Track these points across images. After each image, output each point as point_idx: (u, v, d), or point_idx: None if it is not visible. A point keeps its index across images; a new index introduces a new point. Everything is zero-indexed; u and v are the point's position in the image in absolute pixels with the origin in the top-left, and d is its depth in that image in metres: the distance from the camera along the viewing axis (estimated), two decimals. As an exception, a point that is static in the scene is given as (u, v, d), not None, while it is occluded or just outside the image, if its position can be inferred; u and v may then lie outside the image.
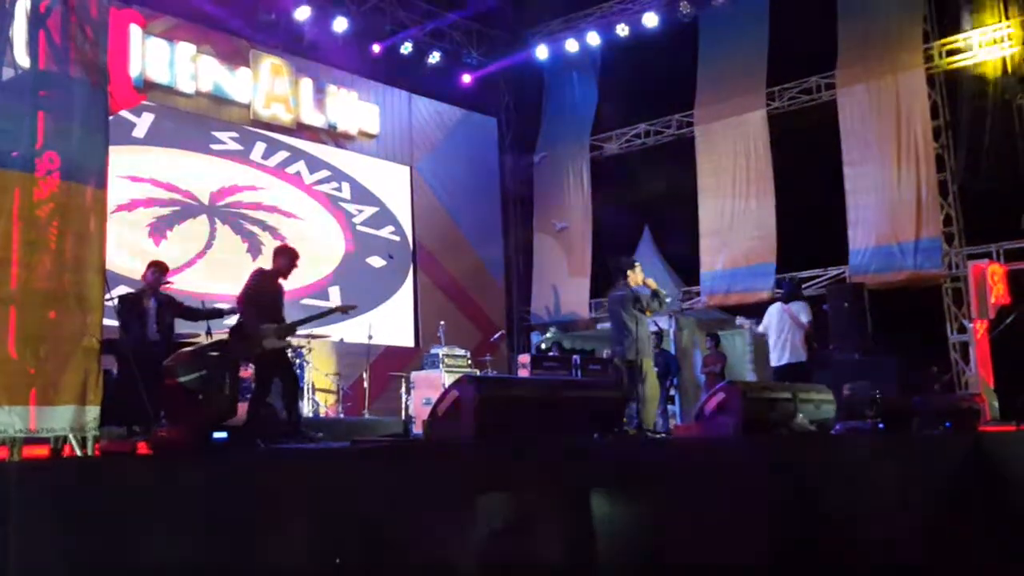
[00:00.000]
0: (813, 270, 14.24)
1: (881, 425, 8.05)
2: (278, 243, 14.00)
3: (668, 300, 9.20)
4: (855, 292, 12.40)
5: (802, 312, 10.08)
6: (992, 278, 11.98)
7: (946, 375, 12.76)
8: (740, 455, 5.87)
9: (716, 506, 5.50)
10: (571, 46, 16.34)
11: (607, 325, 16.54)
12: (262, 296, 7.24)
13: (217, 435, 4.65)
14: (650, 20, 15.44)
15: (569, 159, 16.97)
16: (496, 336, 14.15)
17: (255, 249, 13.42)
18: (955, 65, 13.57)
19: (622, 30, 15.69)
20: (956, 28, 13.60)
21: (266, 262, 7.59)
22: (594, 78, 16.75)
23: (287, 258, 7.49)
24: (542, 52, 16.70)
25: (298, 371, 9.98)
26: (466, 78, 16.77)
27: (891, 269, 13.10)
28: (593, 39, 16.14)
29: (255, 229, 13.63)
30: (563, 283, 16.77)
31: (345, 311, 8.10)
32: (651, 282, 8.75)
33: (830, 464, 6.48)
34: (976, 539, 7.04)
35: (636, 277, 8.81)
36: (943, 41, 13.64)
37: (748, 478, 5.63)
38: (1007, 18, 13.04)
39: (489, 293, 16.79)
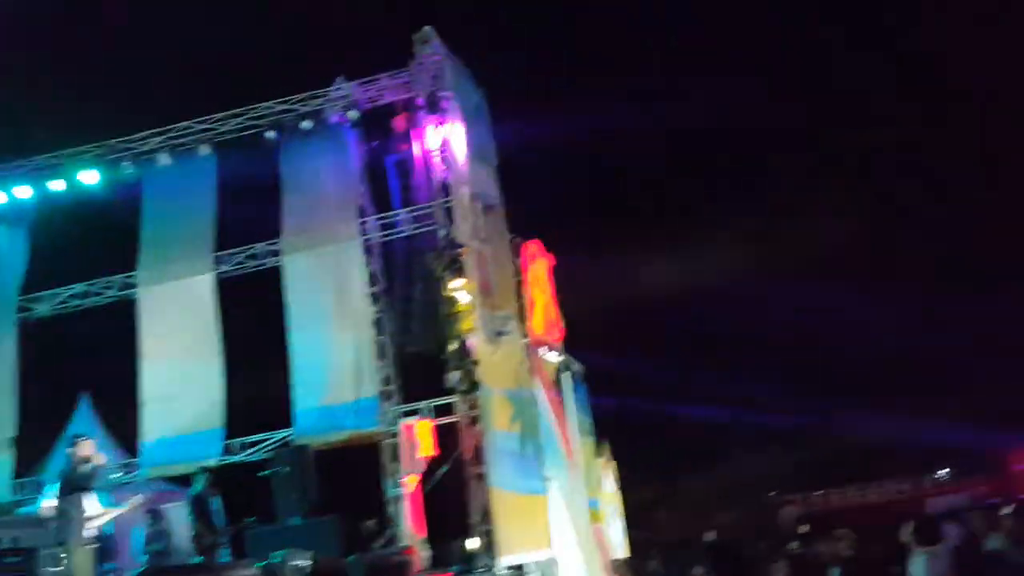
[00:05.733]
0: (262, 433, 14.08)
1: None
2: None
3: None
4: (300, 454, 12.52)
5: None
6: (419, 434, 12.91)
7: (388, 529, 13.23)
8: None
9: None
10: (-2, 198, 14.76)
11: (34, 508, 14.65)
12: None
13: None
14: (90, 177, 14.61)
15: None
16: None
17: None
18: (389, 238, 14.77)
19: (57, 184, 14.64)
20: (388, 205, 14.89)
21: None
22: (25, 233, 15.24)
23: None
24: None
25: None
26: None
27: (333, 429, 13.47)
28: (24, 191, 14.79)
29: None
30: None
31: None
32: (99, 457, 8.63)
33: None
34: None
35: (80, 451, 8.53)
36: (378, 216, 14.81)
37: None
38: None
39: None
